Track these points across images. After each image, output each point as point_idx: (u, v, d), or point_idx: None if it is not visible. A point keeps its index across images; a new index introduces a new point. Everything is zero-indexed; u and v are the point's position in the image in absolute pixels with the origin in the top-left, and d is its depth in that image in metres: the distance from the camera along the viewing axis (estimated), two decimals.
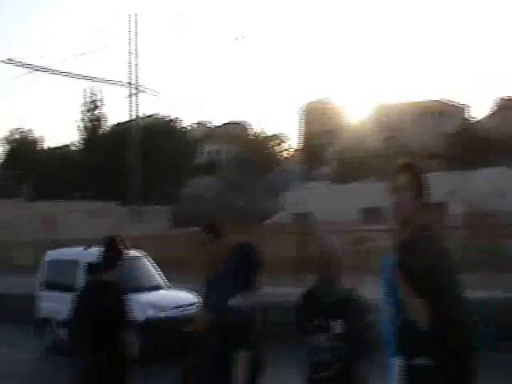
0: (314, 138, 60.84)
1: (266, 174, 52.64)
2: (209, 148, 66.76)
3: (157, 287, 14.90)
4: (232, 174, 54.62)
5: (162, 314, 13.59)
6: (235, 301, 4.29)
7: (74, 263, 13.95)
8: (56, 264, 15.52)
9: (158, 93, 52.47)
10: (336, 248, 4.39)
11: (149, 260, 15.49)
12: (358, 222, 31.49)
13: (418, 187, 4.12)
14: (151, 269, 15.36)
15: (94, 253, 15.02)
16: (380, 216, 33.23)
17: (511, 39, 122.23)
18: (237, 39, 51.44)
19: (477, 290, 10.25)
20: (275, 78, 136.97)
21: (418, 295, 3.83)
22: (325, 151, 58.64)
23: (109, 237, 6.08)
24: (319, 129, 63.37)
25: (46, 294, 15.35)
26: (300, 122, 72.58)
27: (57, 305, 13.94)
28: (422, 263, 3.87)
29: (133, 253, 15.46)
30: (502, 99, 64.70)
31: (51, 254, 16.18)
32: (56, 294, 14.60)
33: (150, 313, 13.46)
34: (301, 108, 73.39)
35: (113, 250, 5.91)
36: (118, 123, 58.89)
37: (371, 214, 33.64)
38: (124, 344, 5.63)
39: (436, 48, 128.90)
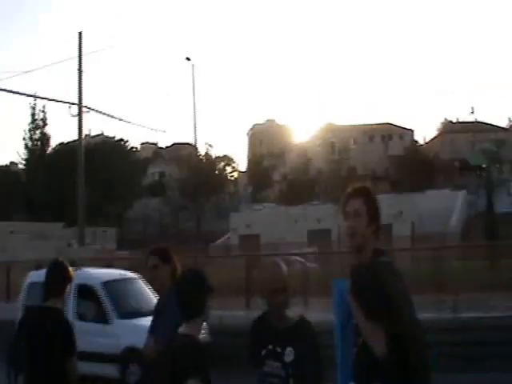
0: (261, 160, 61.10)
1: (213, 196, 52.53)
2: (156, 169, 66.40)
3: None
4: (179, 195, 54.34)
5: None
6: (184, 328, 4.17)
7: None
8: (41, 286, 13.94)
9: (105, 113, 51.79)
10: (286, 274, 4.32)
11: (144, 282, 14.14)
12: (305, 244, 31.56)
13: (372, 213, 4.08)
14: (148, 291, 13.78)
15: (85, 275, 13.13)
16: (328, 238, 33.48)
17: (453, 65, 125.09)
18: (188, 59, 51.10)
19: (424, 311, 10.27)
20: (223, 99, 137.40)
21: (374, 320, 3.79)
22: (272, 173, 58.90)
23: (55, 260, 5.80)
24: (266, 150, 63.68)
25: None
26: (248, 143, 72.87)
27: None
28: (377, 288, 3.83)
29: (129, 274, 14.14)
30: (447, 123, 66.15)
31: (34, 275, 14.18)
32: None
33: None
34: (249, 130, 73.75)
35: (60, 275, 5.64)
36: (65, 142, 58.15)
37: (319, 236, 33.87)
38: (67, 371, 5.42)
39: (382, 71, 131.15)
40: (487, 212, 27.62)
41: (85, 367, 10.95)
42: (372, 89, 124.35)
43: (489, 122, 66.83)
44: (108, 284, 13.33)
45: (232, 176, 62.76)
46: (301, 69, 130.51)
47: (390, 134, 68.00)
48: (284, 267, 4.29)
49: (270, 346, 4.22)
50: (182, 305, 4.21)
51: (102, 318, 12.54)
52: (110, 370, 11.97)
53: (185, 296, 4.23)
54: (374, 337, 3.70)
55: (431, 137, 66.41)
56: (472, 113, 71.03)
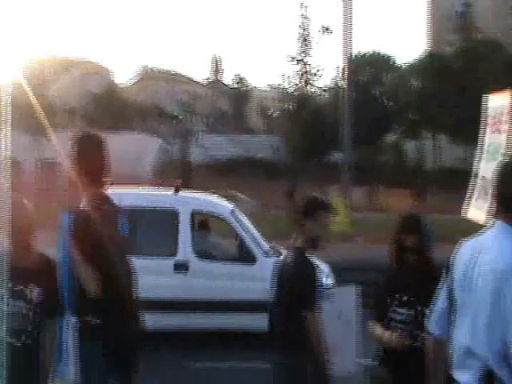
0: None
1: None
2: None
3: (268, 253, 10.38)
4: None
5: None
6: None
7: (170, 214, 9.82)
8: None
9: None
10: (32, 213, 4.48)
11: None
12: None
13: (75, 159, 4.56)
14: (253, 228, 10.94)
15: (198, 201, 10.44)
16: (20, 169, 32.35)
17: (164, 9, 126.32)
18: None
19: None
20: None
21: (88, 261, 4.21)
22: None
23: None
24: None
25: None
26: None
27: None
28: (87, 233, 4.30)
29: (228, 205, 10.94)
30: (145, 68, 66.92)
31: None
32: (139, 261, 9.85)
33: None
34: None
35: None
36: None
37: (10, 168, 32.56)
38: None
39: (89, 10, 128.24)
40: (182, 160, 28.84)
41: (217, 320, 9.54)
42: (73, 21, 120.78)
43: (186, 75, 69.27)
44: (234, 213, 10.37)
45: None
46: None
47: (89, 71, 67.18)
48: (29, 206, 4.46)
49: (15, 284, 4.25)
50: None
51: (242, 257, 9.89)
52: (253, 322, 9.19)
53: None
54: (87, 275, 4.18)
55: (129, 80, 66.94)
56: (167, 61, 72.70)
